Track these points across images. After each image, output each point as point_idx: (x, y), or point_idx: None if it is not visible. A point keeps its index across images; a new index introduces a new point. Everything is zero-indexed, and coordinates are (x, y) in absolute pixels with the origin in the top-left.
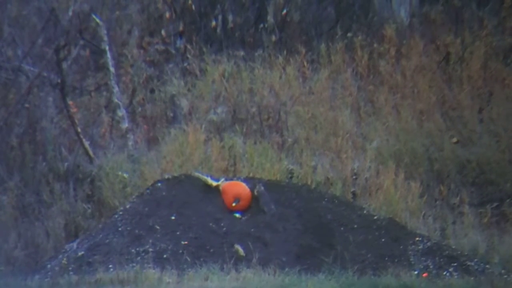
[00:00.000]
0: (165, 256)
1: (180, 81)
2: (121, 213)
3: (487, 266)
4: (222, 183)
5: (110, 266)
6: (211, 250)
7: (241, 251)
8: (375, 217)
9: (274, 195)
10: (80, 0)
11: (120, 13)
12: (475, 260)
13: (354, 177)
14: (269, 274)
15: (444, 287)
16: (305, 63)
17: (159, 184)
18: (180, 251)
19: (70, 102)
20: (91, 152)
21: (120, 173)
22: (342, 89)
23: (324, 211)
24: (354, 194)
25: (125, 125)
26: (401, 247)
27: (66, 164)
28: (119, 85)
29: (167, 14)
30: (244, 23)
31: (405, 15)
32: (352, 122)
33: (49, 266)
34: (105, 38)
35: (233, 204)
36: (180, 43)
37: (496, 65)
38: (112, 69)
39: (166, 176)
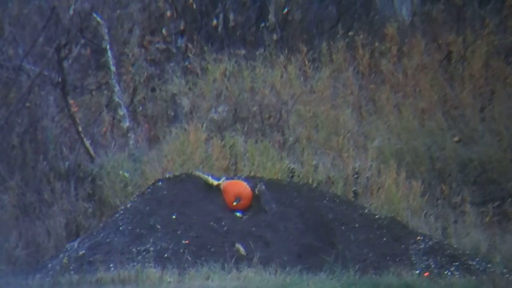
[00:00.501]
0: (166, 255)
1: (181, 80)
2: (122, 212)
3: (489, 265)
4: (223, 182)
5: (111, 265)
6: (212, 249)
7: (242, 250)
8: (377, 216)
9: (275, 194)
10: None
11: (121, 12)
12: (477, 259)
13: (355, 176)
14: (270, 273)
15: (445, 287)
16: (306, 62)
17: (160, 183)
18: (181, 250)
19: (71, 101)
20: (92, 151)
21: (121, 172)
22: (343, 88)
23: (326, 210)
24: (355, 193)
25: (126, 124)
26: (403, 246)
27: (67, 163)
28: (120, 84)
29: (168, 13)
30: (245, 21)
31: (406, 14)
32: (354, 121)
33: (50, 265)
34: (106, 37)
35: (234, 203)
36: (181, 42)
37: (498, 63)
38: (113, 68)
39: (167, 175)
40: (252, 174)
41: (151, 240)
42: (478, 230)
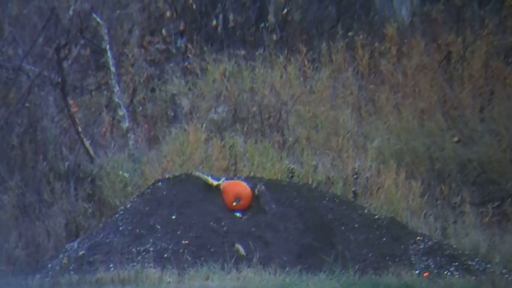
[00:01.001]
0: (165, 255)
1: (181, 80)
2: (121, 212)
3: (488, 265)
4: (223, 183)
5: (111, 265)
6: (212, 250)
7: (241, 250)
8: (376, 217)
9: (274, 194)
10: None
11: (120, 12)
12: (476, 259)
13: (355, 176)
14: (270, 274)
15: (445, 287)
16: (306, 62)
17: (160, 184)
18: (181, 251)
19: (70, 101)
20: (91, 152)
21: (120, 172)
22: (343, 88)
23: (325, 210)
24: (355, 193)
25: (125, 124)
26: (402, 246)
27: (66, 163)
28: (119, 84)
29: (168, 13)
30: (245, 22)
31: (406, 14)
32: (353, 121)
33: (50, 265)
34: (106, 37)
35: (234, 204)
36: (181, 42)
37: (497, 64)
38: (112, 68)
39: (167, 176)
40: (251, 174)
41: (150, 240)
42: (477, 230)
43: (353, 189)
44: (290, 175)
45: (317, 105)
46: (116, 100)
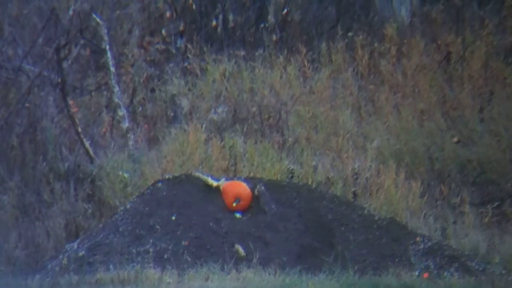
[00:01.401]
0: (165, 256)
1: (181, 80)
2: (121, 213)
3: (488, 266)
4: (223, 183)
5: (111, 266)
6: (212, 250)
7: (241, 251)
8: (376, 217)
9: (274, 195)
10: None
11: (120, 12)
12: (476, 260)
13: (354, 176)
14: (269, 274)
15: (445, 287)
16: (306, 63)
17: (160, 184)
18: (181, 251)
19: (70, 102)
20: (91, 152)
21: (120, 172)
22: (342, 89)
23: (325, 210)
24: (354, 193)
25: (125, 124)
26: (402, 247)
27: (66, 163)
28: (119, 84)
29: (168, 14)
30: (245, 22)
31: (406, 14)
32: (353, 121)
33: (49, 266)
34: (106, 38)
35: (234, 204)
36: (180, 43)
37: (497, 64)
38: (112, 69)
39: (167, 176)
40: (251, 174)
41: (150, 241)
42: (477, 230)
43: (353, 190)
44: (290, 175)
45: (317, 105)
46: (116, 100)
